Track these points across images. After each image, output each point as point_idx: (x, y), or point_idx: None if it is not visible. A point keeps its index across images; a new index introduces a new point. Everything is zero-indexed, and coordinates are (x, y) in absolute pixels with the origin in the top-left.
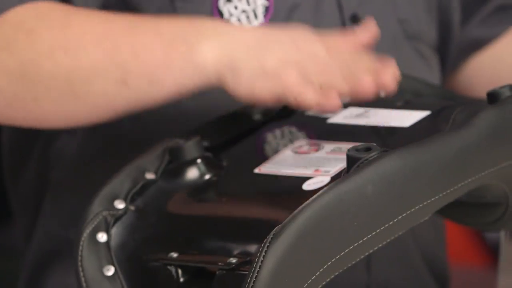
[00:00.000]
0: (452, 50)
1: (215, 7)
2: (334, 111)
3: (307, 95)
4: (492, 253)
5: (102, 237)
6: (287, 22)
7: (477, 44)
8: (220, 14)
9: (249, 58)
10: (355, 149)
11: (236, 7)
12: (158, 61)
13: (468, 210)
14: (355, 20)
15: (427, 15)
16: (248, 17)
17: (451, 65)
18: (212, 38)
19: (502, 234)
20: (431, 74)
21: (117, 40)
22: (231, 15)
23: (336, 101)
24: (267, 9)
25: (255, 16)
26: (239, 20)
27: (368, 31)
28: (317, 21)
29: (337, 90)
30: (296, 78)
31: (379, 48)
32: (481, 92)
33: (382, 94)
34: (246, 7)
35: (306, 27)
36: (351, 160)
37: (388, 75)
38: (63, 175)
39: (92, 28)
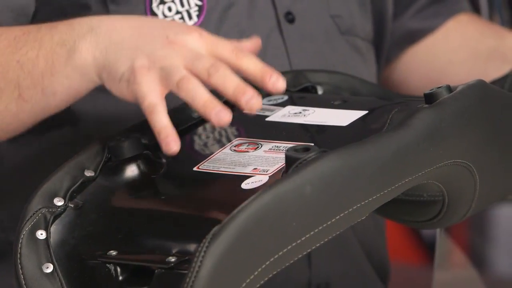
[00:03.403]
0: (386, 43)
1: (149, 10)
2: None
3: (152, 104)
4: (428, 250)
5: (41, 234)
6: (222, 22)
7: (412, 37)
8: (154, 16)
9: (121, 59)
10: (294, 149)
11: (170, 9)
12: (42, 70)
13: (406, 209)
14: (289, 17)
15: (361, 8)
16: (182, 18)
17: (386, 58)
18: (87, 36)
19: (438, 232)
20: (366, 68)
21: (4, 58)
22: (165, 17)
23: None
24: (200, 9)
25: (189, 16)
26: None
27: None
28: (252, 19)
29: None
30: (153, 82)
31: (314, 43)
32: (415, 85)
33: (320, 92)
34: (180, 8)
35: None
36: (290, 160)
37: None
38: (1, 179)
39: None
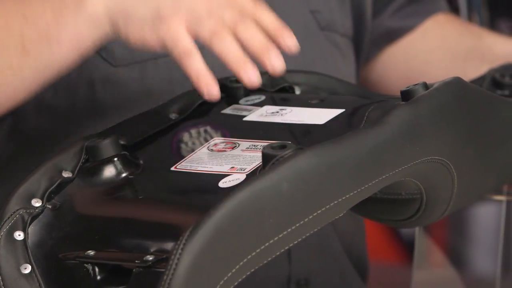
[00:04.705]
0: (366, 41)
1: None
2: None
3: (187, 48)
4: (407, 249)
5: (19, 235)
6: None
7: (390, 36)
8: None
9: (140, 2)
10: (270, 146)
11: None
12: (49, 21)
13: (384, 207)
14: None
15: (340, 5)
16: None
17: (365, 56)
18: None
19: (417, 231)
20: (345, 64)
21: (8, 11)
22: None
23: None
24: None
25: None
26: None
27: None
28: None
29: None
30: (181, 25)
31: None
32: (394, 84)
33: (298, 92)
34: None
35: None
36: (266, 158)
37: (287, 40)
38: None
39: None
